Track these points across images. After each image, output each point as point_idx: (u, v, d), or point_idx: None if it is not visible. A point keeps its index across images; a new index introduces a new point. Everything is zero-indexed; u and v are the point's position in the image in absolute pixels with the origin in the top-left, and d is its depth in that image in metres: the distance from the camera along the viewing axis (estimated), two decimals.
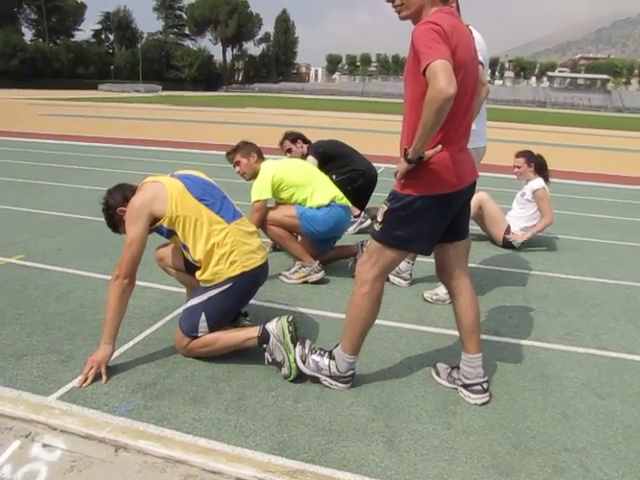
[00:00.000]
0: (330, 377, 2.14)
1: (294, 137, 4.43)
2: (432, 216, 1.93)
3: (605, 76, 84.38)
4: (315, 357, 2.16)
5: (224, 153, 3.58)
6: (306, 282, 3.33)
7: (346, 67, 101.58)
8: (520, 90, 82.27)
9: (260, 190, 3.30)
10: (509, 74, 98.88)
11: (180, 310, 2.55)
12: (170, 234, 2.30)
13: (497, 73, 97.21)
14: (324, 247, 3.51)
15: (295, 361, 2.16)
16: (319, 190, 3.38)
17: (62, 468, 1.65)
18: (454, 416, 2.01)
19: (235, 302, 2.36)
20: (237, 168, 3.45)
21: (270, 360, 2.20)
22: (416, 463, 1.74)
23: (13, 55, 59.02)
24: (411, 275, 3.45)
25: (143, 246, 2.19)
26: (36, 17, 75.43)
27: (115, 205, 2.31)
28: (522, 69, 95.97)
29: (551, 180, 4.54)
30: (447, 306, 2.85)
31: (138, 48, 78.70)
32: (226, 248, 2.24)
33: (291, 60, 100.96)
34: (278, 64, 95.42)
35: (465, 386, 2.13)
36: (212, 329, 2.25)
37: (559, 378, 2.34)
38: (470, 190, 2.06)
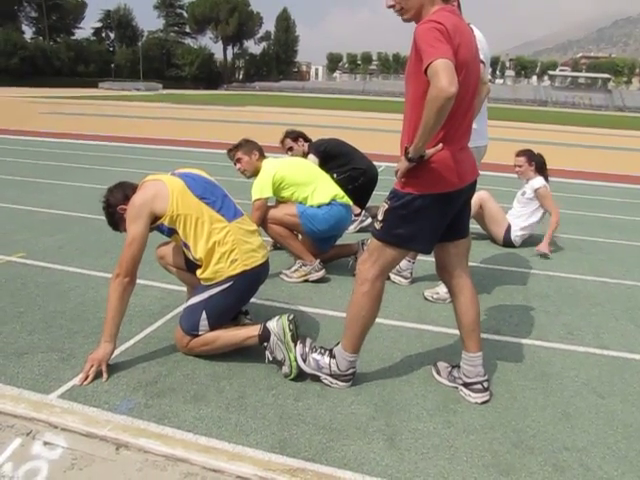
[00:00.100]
0: (331, 375, 2.14)
1: (295, 135, 4.42)
2: (433, 215, 1.93)
3: (606, 75, 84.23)
4: (316, 355, 2.16)
5: (225, 151, 3.58)
6: (307, 281, 3.33)
7: (347, 66, 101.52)
8: (521, 89, 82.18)
9: (261, 188, 3.29)
10: (510, 73, 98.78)
11: (181, 308, 2.55)
12: (171, 232, 2.30)
13: (498, 72, 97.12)
14: (325, 246, 3.51)
15: (296, 359, 2.16)
16: (320, 189, 3.38)
17: (63, 466, 1.66)
18: (454, 415, 2.02)
19: (236, 301, 2.36)
20: (238, 165, 3.45)
21: (271, 358, 2.20)
22: (417, 462, 1.75)
23: (13, 53, 58.99)
24: (412, 274, 3.45)
25: (144, 244, 2.19)
26: (36, 15, 75.37)
27: (116, 203, 2.31)
28: (523, 68, 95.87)
29: (552, 179, 4.54)
30: (448, 305, 2.85)
31: (139, 46, 78.64)
32: (227, 247, 2.24)
33: (292, 59, 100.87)
34: (279, 63, 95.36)
35: (466, 385, 2.13)
36: (213, 327, 2.25)
37: (559, 377, 2.34)
38: (471, 189, 2.06)
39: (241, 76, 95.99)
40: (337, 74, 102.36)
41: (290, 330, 2.19)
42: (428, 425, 1.94)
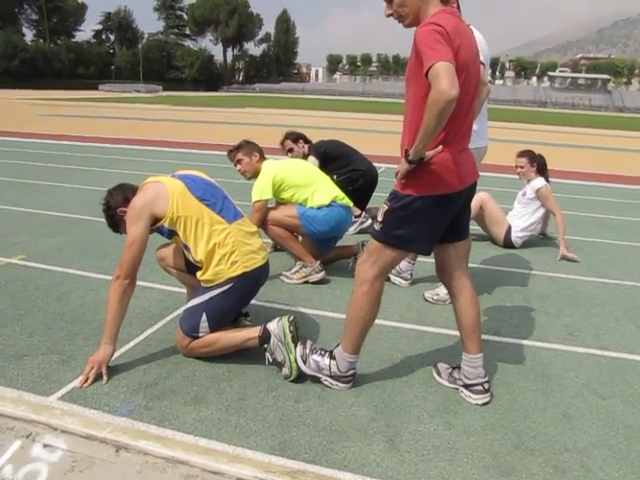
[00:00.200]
0: (331, 377, 2.14)
1: (295, 137, 4.43)
2: (432, 216, 1.93)
3: (606, 76, 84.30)
4: (316, 357, 2.16)
5: (225, 153, 3.58)
6: (307, 282, 3.33)
7: (347, 67, 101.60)
8: (521, 90, 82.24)
9: (261, 190, 3.30)
10: (510, 74, 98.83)
11: (181, 310, 2.55)
12: (171, 234, 2.30)
13: (498, 73, 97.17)
14: (325, 247, 3.51)
15: (296, 361, 2.16)
16: (320, 190, 3.38)
17: (63, 468, 1.65)
18: (455, 416, 2.01)
19: (236, 302, 2.36)
20: (238, 167, 3.45)
21: (271, 360, 2.20)
22: (417, 463, 1.74)
23: (14, 55, 59.08)
24: (412, 275, 3.45)
25: (144, 246, 2.19)
26: (37, 17, 75.52)
27: (116, 205, 2.32)
28: (523, 69, 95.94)
29: (552, 180, 4.54)
30: (448, 306, 2.85)
31: (139, 48, 78.75)
32: (227, 248, 2.24)
33: (292, 60, 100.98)
34: (279, 64, 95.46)
35: (466, 386, 2.13)
36: (213, 329, 2.25)
37: (560, 378, 2.34)
38: (471, 190, 2.06)
39: (241, 78, 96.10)
40: (337, 76, 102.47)
41: (290, 331, 2.19)
42: (428, 426, 1.94)
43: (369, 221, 4.60)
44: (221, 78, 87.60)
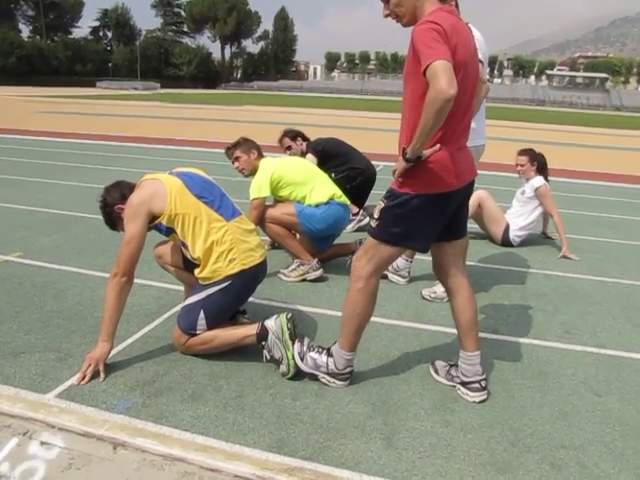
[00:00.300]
0: (328, 374, 2.14)
1: (294, 134, 4.42)
2: (429, 214, 1.93)
3: (604, 75, 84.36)
4: (313, 354, 2.16)
5: (223, 151, 3.57)
6: (304, 280, 3.33)
7: (345, 65, 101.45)
8: (519, 88, 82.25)
9: (259, 188, 3.29)
10: (508, 72, 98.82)
11: (178, 308, 2.55)
12: (169, 232, 2.30)
13: (496, 71, 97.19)
14: (323, 245, 3.51)
15: (293, 358, 2.16)
16: (318, 188, 3.37)
17: (60, 466, 1.65)
18: (452, 414, 2.02)
19: (234, 300, 2.36)
20: (236, 164, 3.44)
21: (268, 357, 2.20)
22: (414, 460, 1.75)
23: (10, 52, 58.75)
24: (409, 273, 3.45)
25: (142, 244, 2.18)
26: (33, 14, 75.03)
27: (113, 203, 2.31)
28: (521, 67, 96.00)
29: (550, 178, 4.54)
30: (445, 304, 2.85)
31: (136, 45, 78.43)
32: (225, 246, 2.24)
33: (290, 58, 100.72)
34: (277, 62, 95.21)
35: (463, 384, 2.13)
36: (210, 327, 2.25)
37: (557, 376, 2.35)
38: (469, 189, 2.07)
39: (239, 75, 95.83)
40: (335, 73, 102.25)
41: (288, 329, 2.19)
42: (426, 424, 1.94)
43: (367, 219, 4.60)
44: (219, 76, 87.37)
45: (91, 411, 1.90)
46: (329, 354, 2.15)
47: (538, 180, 4.35)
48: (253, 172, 3.41)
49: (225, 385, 2.12)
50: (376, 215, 1.98)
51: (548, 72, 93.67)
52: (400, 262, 3.37)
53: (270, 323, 2.21)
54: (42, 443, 1.74)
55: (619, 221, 5.73)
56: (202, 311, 2.23)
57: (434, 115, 1.68)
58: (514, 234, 4.37)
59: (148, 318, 2.68)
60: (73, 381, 2.06)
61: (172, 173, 2.39)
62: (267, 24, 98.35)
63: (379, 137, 13.13)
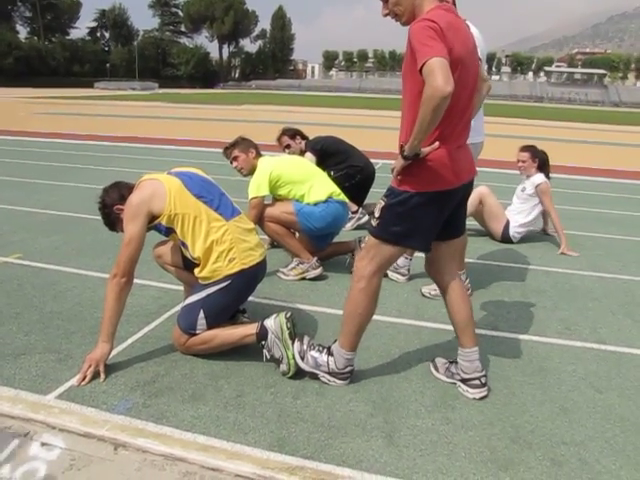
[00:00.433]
0: (329, 373, 2.14)
1: (292, 133, 4.42)
2: (429, 213, 1.93)
3: (602, 71, 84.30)
4: (314, 353, 2.16)
5: (221, 150, 3.57)
6: (304, 278, 3.33)
7: (343, 63, 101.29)
8: (517, 85, 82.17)
9: (257, 187, 3.29)
10: (506, 69, 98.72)
11: (178, 308, 2.55)
12: (169, 232, 2.30)
13: (494, 68, 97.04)
14: (322, 243, 3.50)
15: (294, 357, 2.16)
16: (316, 186, 3.37)
17: (61, 467, 1.65)
18: (453, 411, 2.02)
19: (234, 299, 2.35)
20: (235, 164, 3.44)
21: (268, 357, 2.20)
22: (415, 458, 1.75)
23: (8, 53, 58.70)
24: (409, 271, 3.45)
25: (141, 244, 2.18)
26: (31, 15, 74.95)
27: (112, 203, 2.31)
28: (519, 64, 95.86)
29: (550, 175, 4.53)
30: None
31: (134, 45, 78.33)
32: (225, 245, 2.24)
33: (288, 57, 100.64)
34: (275, 61, 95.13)
35: (463, 381, 2.13)
36: (210, 326, 2.25)
37: (557, 372, 2.35)
38: (468, 188, 2.06)
39: (237, 75, 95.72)
40: (333, 72, 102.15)
41: (288, 328, 2.19)
42: (426, 421, 1.94)
43: (366, 217, 4.60)
44: (217, 75, 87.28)
45: (92, 412, 1.89)
46: (329, 353, 2.15)
47: (539, 177, 4.34)
48: (252, 171, 3.41)
49: (225, 385, 2.12)
50: (377, 214, 1.98)
51: (546, 68, 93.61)
52: (400, 260, 3.36)
53: (269, 323, 2.21)
54: (43, 444, 1.74)
55: (619, 217, 5.73)
56: (202, 311, 2.23)
57: (431, 112, 1.68)
58: (514, 231, 4.37)
59: (148, 318, 2.68)
60: (73, 382, 2.06)
61: (171, 173, 2.38)
62: (264, 23, 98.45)
63: (377, 135, 13.13)
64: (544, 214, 4.55)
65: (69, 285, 3.08)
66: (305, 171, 3.46)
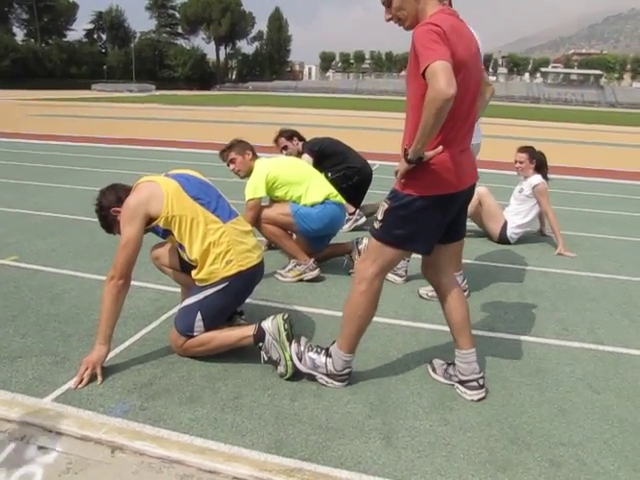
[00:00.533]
0: (327, 375, 2.14)
1: (290, 134, 4.42)
2: (432, 216, 1.94)
3: (598, 72, 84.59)
4: (312, 354, 2.16)
5: (218, 152, 3.56)
6: (301, 280, 3.33)
7: (340, 65, 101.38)
8: (514, 86, 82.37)
9: (254, 188, 3.29)
10: (502, 70, 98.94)
11: (175, 310, 2.54)
12: (166, 234, 2.29)
13: (490, 69, 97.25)
14: (319, 245, 3.50)
15: (291, 359, 2.15)
16: (313, 188, 3.37)
17: (58, 470, 1.64)
18: (451, 412, 2.02)
19: (231, 301, 2.35)
20: (232, 166, 3.43)
21: (266, 358, 2.19)
22: (413, 460, 1.75)
23: (4, 55, 58.58)
24: (406, 272, 3.45)
25: (139, 246, 2.17)
26: (27, 17, 74.80)
27: (109, 205, 2.30)
28: (515, 65, 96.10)
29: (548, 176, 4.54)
30: None
31: (131, 47, 78.26)
32: (222, 247, 2.23)
33: (285, 58, 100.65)
34: (272, 62, 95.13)
35: (461, 382, 2.13)
36: (208, 328, 2.24)
37: (555, 373, 2.35)
38: (470, 192, 2.07)
39: (234, 76, 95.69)
40: (330, 73, 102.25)
41: (285, 329, 2.19)
42: (424, 423, 1.94)
43: (363, 218, 4.60)
44: (214, 77, 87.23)
45: (89, 415, 1.89)
46: (328, 354, 2.14)
47: (536, 178, 4.35)
48: (249, 173, 3.40)
49: (223, 387, 2.11)
50: (380, 217, 1.98)
51: (542, 69, 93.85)
52: None
53: (267, 324, 2.20)
54: (39, 447, 1.73)
55: (615, 217, 5.75)
56: (199, 313, 2.22)
57: (434, 115, 1.68)
58: (511, 231, 4.38)
59: (145, 320, 2.67)
60: (70, 385, 2.05)
61: (168, 175, 2.38)
62: (261, 25, 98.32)
63: (374, 136, 13.14)
64: (541, 215, 4.56)
65: (66, 287, 3.07)
66: (302, 172, 3.46)
